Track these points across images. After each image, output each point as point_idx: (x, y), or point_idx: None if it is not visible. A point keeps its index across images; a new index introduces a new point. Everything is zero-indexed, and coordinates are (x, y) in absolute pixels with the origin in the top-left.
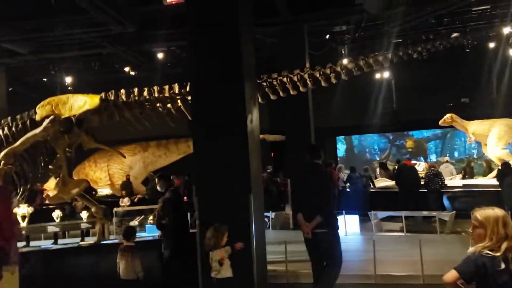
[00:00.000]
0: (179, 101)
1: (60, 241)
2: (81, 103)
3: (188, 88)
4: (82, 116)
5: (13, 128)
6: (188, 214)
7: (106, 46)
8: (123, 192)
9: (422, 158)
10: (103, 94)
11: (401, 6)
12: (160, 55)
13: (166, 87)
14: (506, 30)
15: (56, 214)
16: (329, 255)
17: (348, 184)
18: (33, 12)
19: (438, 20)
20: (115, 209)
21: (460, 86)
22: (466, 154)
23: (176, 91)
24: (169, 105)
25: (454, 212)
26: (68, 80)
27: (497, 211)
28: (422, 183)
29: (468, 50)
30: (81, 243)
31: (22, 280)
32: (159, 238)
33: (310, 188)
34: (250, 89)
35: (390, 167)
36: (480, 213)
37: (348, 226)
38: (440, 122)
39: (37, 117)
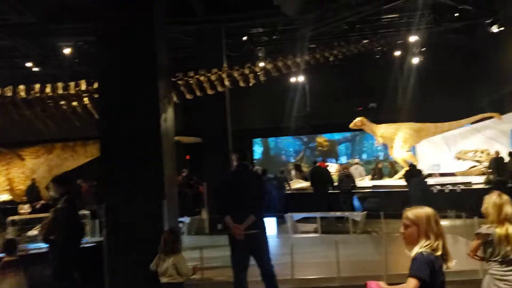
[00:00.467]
0: (85, 99)
1: None
2: None
3: (96, 85)
4: None
5: None
6: None
7: (4, 38)
8: (24, 198)
9: (334, 160)
10: None
11: (315, 11)
12: (66, 50)
13: (72, 84)
14: (411, 39)
15: None
16: (263, 255)
17: None
18: None
19: (350, 27)
20: (11, 217)
21: (369, 92)
22: (373, 156)
23: (83, 88)
24: (74, 103)
25: (366, 212)
26: None
27: (427, 209)
28: (335, 184)
29: (378, 56)
30: None
31: None
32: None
33: (240, 190)
34: (164, 87)
35: (305, 169)
36: (411, 212)
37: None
38: (351, 125)
39: None
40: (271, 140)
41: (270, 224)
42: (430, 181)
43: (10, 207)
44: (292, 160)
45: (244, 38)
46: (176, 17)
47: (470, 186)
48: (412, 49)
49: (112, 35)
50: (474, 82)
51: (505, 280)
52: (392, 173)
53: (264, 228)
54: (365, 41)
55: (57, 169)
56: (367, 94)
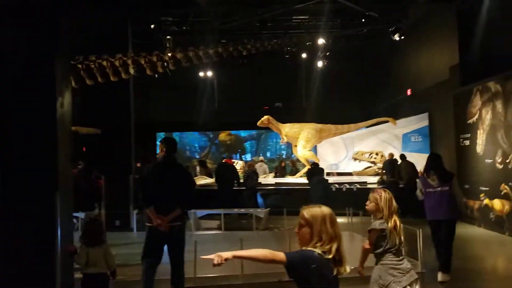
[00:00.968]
0: None
1: None
2: None
3: None
4: None
5: None
6: None
7: None
8: None
9: (238, 156)
10: None
11: (228, 5)
12: None
13: None
14: (319, 41)
15: None
16: (179, 249)
17: None
18: None
19: (262, 24)
20: None
21: (276, 91)
22: (276, 155)
23: None
24: None
25: (269, 209)
26: None
27: (323, 209)
28: (241, 181)
29: (287, 56)
30: None
31: None
32: None
33: (166, 181)
34: (63, 68)
35: (210, 165)
36: (307, 211)
37: None
38: (258, 123)
39: None
40: (176, 135)
41: None
42: (329, 180)
43: None
44: (197, 156)
45: (152, 26)
46: None
47: (366, 185)
48: (319, 51)
49: (5, 5)
50: (374, 87)
51: (398, 269)
52: (294, 171)
53: (185, 222)
54: (275, 40)
55: None
56: (274, 93)
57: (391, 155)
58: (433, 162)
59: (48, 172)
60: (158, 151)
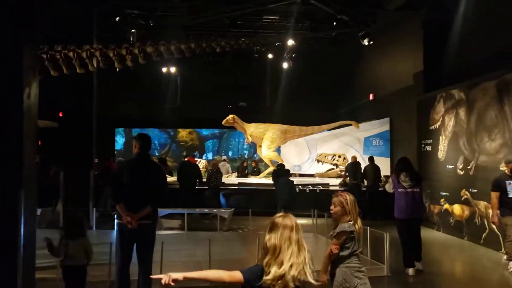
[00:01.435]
0: None
1: None
2: None
3: None
4: None
5: None
6: None
7: None
8: None
9: (197, 154)
10: None
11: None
12: None
13: None
14: (288, 43)
15: None
16: (148, 248)
17: None
18: None
19: (232, 22)
20: None
21: (241, 90)
22: (239, 154)
23: None
24: None
25: (233, 209)
26: None
27: (286, 221)
28: (204, 180)
29: (256, 55)
30: None
31: None
32: None
33: (138, 179)
34: (31, 57)
35: (170, 163)
36: (277, 219)
37: None
38: (223, 122)
39: None
40: (135, 131)
41: None
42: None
43: None
44: (157, 154)
45: (117, 18)
46: None
47: (328, 187)
48: (286, 52)
49: None
50: (338, 90)
51: (362, 271)
52: (256, 171)
53: (155, 220)
54: (244, 39)
55: None
56: (239, 93)
57: (354, 158)
58: (405, 165)
59: (13, 166)
60: (117, 147)
